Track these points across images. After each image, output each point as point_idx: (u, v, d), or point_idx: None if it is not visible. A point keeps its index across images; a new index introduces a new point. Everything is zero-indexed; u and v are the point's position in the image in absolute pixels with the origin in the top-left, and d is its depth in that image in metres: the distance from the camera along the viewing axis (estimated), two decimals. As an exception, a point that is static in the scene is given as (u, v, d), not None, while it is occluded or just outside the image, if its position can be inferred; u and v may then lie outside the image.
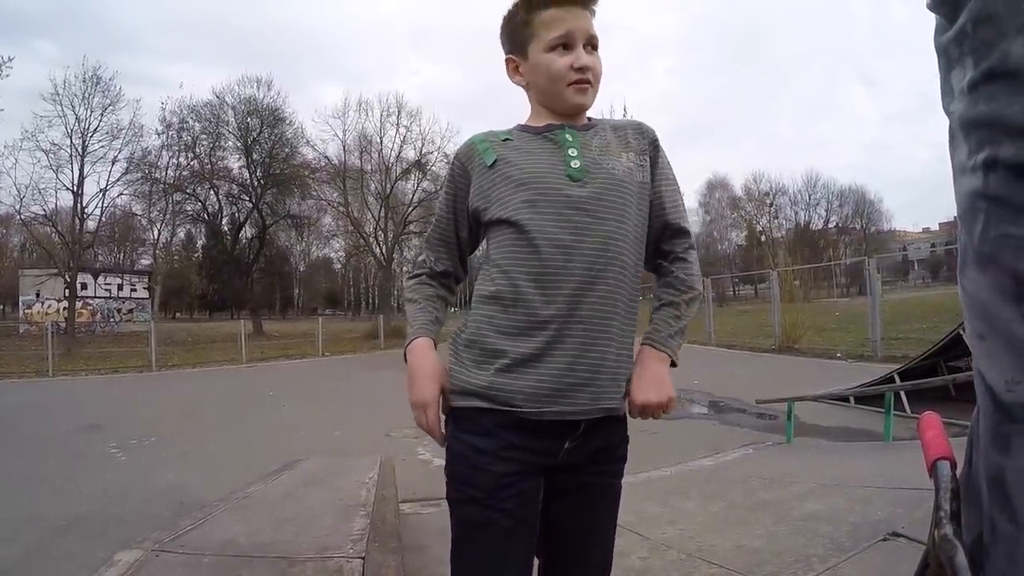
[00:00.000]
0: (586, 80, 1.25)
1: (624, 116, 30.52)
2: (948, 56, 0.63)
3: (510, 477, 1.13)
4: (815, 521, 3.29)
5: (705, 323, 21.20)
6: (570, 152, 1.24)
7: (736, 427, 8.06)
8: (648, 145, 1.33)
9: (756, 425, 8.20)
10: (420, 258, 1.39)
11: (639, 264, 1.26)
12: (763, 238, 52.75)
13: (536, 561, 1.25)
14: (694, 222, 56.30)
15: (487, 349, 1.18)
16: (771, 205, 54.87)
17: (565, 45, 1.24)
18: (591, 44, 1.26)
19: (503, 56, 1.35)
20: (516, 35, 1.30)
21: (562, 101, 1.28)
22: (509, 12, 1.30)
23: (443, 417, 1.23)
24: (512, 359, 1.15)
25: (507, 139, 1.29)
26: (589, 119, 1.35)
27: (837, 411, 8.46)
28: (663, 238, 1.32)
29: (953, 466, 0.85)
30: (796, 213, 55.11)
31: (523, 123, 1.35)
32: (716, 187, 57.08)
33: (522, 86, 1.34)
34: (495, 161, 1.25)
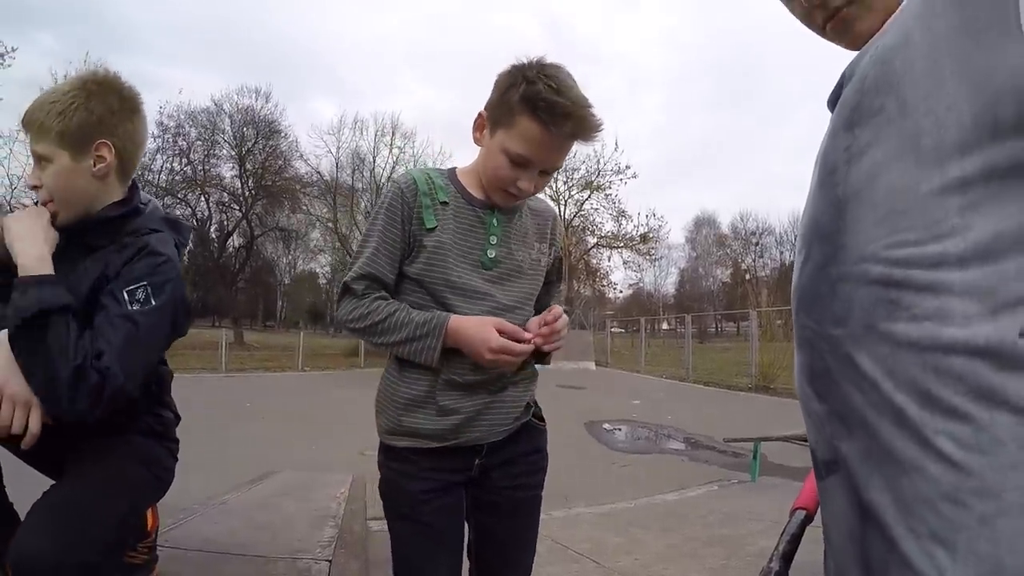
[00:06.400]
0: (519, 197, 1.32)
1: (616, 150, 31.05)
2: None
3: (428, 494, 1.30)
4: (766, 558, 3.43)
5: (684, 360, 21.34)
6: (491, 239, 1.34)
7: (704, 464, 8.16)
8: (552, 232, 1.46)
9: (724, 463, 8.32)
10: (362, 276, 1.30)
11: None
12: (748, 276, 53.07)
13: (468, 564, 1.44)
14: (680, 257, 56.85)
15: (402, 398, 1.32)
16: (757, 244, 55.29)
17: (523, 164, 1.25)
18: (547, 171, 1.31)
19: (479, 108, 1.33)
20: (501, 108, 1.25)
21: (493, 194, 1.33)
22: (511, 81, 1.23)
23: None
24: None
25: (445, 202, 1.32)
26: None
27: (805, 452, 8.59)
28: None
29: (808, 517, 1.02)
30: (781, 253, 55.52)
31: (464, 177, 1.38)
32: (703, 224, 57.56)
33: (478, 145, 1.35)
34: (434, 228, 1.30)
